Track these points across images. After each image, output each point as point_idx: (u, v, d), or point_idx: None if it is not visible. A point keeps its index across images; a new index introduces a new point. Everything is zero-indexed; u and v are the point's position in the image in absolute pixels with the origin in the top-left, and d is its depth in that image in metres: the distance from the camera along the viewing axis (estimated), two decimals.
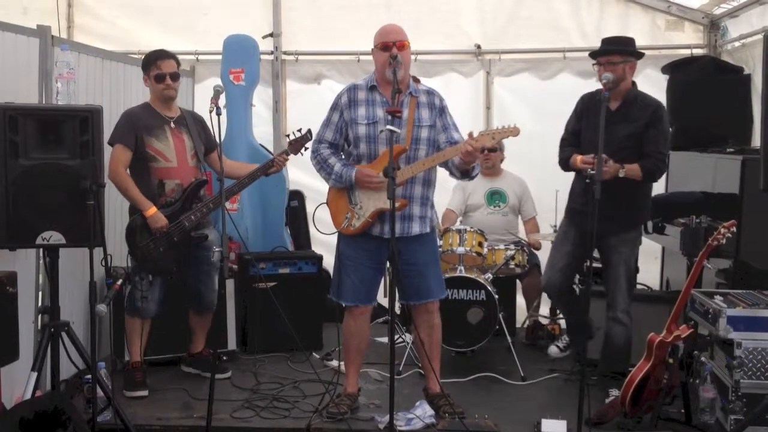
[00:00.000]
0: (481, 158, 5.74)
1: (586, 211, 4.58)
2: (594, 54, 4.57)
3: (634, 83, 4.59)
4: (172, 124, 4.72)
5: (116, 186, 4.60)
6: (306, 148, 4.71)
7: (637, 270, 5.84)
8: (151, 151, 4.63)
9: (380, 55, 4.18)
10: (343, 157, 4.36)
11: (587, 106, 4.65)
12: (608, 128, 4.45)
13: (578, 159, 4.46)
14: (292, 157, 4.87)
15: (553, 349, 4.83)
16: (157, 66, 4.66)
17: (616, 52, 4.50)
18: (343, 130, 4.30)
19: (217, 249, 4.99)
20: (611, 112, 4.46)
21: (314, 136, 4.45)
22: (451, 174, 4.34)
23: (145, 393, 4.70)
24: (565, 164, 4.65)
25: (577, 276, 5.08)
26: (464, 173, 4.25)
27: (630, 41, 4.64)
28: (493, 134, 4.15)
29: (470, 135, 4.07)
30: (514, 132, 4.12)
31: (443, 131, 4.30)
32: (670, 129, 4.64)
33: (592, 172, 4.20)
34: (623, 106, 4.51)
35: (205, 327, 5.01)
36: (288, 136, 4.87)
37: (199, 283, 4.84)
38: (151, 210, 4.54)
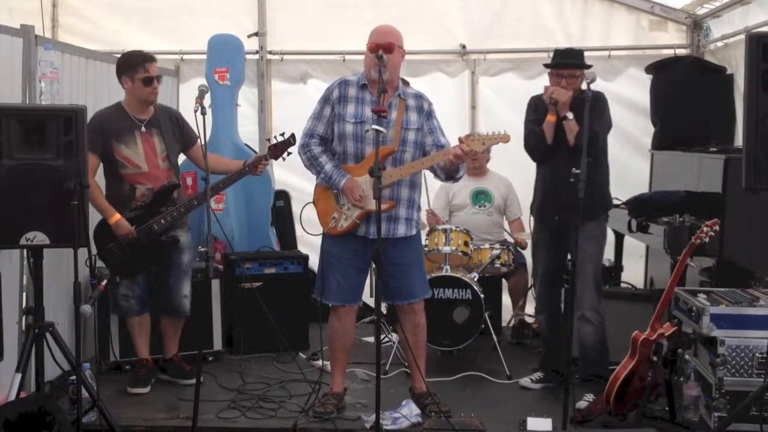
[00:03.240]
0: (468, 158, 5.78)
1: (547, 208, 4.65)
2: (556, 65, 4.63)
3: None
4: (143, 128, 4.68)
5: None
6: (289, 153, 4.67)
7: (621, 268, 5.92)
8: (120, 158, 4.60)
9: (369, 56, 4.18)
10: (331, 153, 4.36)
11: (539, 107, 4.73)
12: (560, 131, 4.53)
13: (548, 90, 4.55)
14: None
15: (525, 381, 4.86)
16: (146, 69, 4.61)
17: (578, 66, 4.61)
18: (333, 124, 4.29)
19: (202, 249, 5.01)
20: (560, 117, 4.57)
21: (304, 130, 4.38)
22: (436, 176, 4.36)
23: (144, 390, 4.72)
24: (537, 143, 4.66)
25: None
26: (449, 176, 4.27)
27: (582, 53, 4.75)
28: (483, 140, 4.17)
29: (461, 140, 4.09)
30: (505, 139, 4.13)
31: (429, 134, 4.31)
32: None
33: (554, 97, 4.48)
34: (572, 104, 4.55)
35: (175, 332, 4.94)
36: (269, 140, 4.81)
37: (168, 288, 4.78)
38: (115, 217, 4.52)
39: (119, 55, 4.83)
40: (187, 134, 4.81)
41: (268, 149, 4.76)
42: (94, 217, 4.68)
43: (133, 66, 4.62)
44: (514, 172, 5.90)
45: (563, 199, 4.46)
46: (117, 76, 4.70)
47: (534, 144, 4.69)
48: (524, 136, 4.76)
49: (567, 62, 4.63)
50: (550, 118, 4.57)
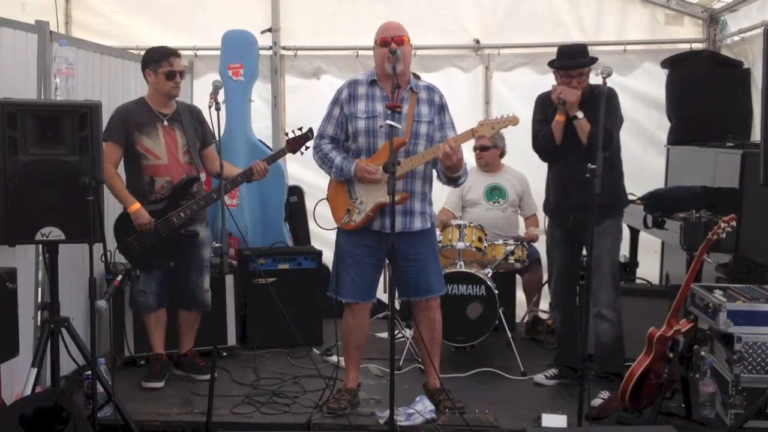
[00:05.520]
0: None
1: (564, 208, 4.61)
2: (566, 66, 4.56)
3: None
4: (166, 122, 4.71)
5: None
6: (307, 147, 4.68)
7: (636, 264, 5.88)
8: (141, 149, 4.63)
9: (380, 51, 4.19)
10: (343, 152, 4.36)
11: (547, 106, 4.68)
12: (569, 130, 4.49)
13: (557, 90, 4.51)
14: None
15: (539, 377, 4.86)
16: (170, 63, 4.67)
17: (587, 64, 4.57)
18: (343, 124, 4.30)
19: (216, 245, 5.02)
20: (570, 117, 4.51)
21: (316, 132, 4.43)
22: (438, 177, 4.34)
23: (158, 385, 4.74)
24: (546, 144, 4.62)
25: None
26: (449, 179, 4.25)
27: (586, 47, 4.70)
28: (492, 124, 4.15)
29: (448, 141, 4.07)
30: (513, 121, 4.12)
31: (439, 129, 4.30)
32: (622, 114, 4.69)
33: (562, 97, 4.43)
34: (581, 102, 4.50)
35: (193, 327, 4.96)
36: (287, 134, 4.84)
37: (189, 282, 4.81)
38: (135, 206, 4.54)
39: (134, 51, 4.85)
40: (205, 133, 4.84)
41: (286, 143, 4.80)
42: (110, 212, 4.70)
43: (158, 59, 4.68)
44: (529, 168, 5.87)
45: (577, 198, 4.43)
46: (142, 69, 4.75)
47: (543, 144, 4.65)
48: (532, 136, 4.72)
49: (577, 62, 4.57)
50: (559, 118, 4.53)
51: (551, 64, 4.66)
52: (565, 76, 4.55)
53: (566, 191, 4.60)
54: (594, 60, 4.60)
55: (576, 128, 4.47)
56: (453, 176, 4.20)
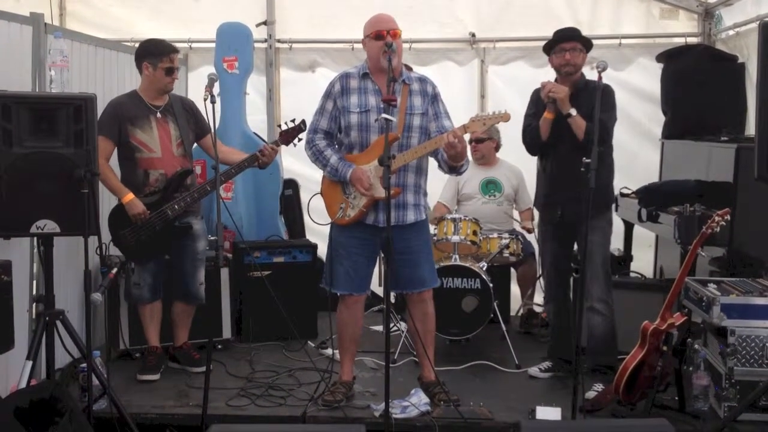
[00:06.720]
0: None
1: (553, 202, 4.62)
2: (558, 40, 4.57)
3: (581, 72, 4.67)
4: (158, 114, 4.71)
5: None
6: (299, 139, 4.68)
7: (630, 258, 5.90)
8: (135, 142, 4.63)
9: (374, 44, 4.17)
10: (336, 146, 4.35)
11: (539, 101, 4.67)
12: (559, 127, 4.49)
13: (546, 88, 4.51)
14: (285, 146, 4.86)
15: (534, 370, 4.87)
16: (171, 59, 4.68)
17: (579, 39, 4.57)
18: (337, 118, 4.29)
19: (211, 238, 5.02)
20: (564, 115, 4.50)
21: (309, 126, 4.42)
22: (440, 167, 4.34)
23: (154, 377, 4.75)
24: (532, 139, 4.64)
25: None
26: (452, 168, 4.24)
27: (579, 32, 4.70)
28: (484, 121, 4.15)
29: (453, 131, 4.06)
30: (505, 118, 4.11)
31: (434, 119, 4.29)
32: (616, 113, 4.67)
33: (551, 95, 4.43)
34: (575, 93, 4.51)
35: (186, 320, 4.96)
36: (279, 126, 4.83)
37: (183, 274, 4.81)
38: (129, 197, 4.55)
39: (129, 43, 4.83)
40: (200, 124, 4.84)
41: (279, 135, 4.79)
42: (105, 205, 4.70)
43: (159, 54, 4.67)
44: (525, 161, 5.86)
45: (566, 192, 4.44)
46: (137, 60, 4.73)
47: (530, 140, 4.67)
48: (522, 130, 4.73)
49: (569, 35, 4.58)
50: (548, 116, 4.53)
51: (546, 46, 4.66)
52: (559, 51, 4.55)
53: (555, 186, 4.61)
54: (589, 42, 4.60)
55: (571, 125, 4.45)
56: (457, 165, 4.20)
